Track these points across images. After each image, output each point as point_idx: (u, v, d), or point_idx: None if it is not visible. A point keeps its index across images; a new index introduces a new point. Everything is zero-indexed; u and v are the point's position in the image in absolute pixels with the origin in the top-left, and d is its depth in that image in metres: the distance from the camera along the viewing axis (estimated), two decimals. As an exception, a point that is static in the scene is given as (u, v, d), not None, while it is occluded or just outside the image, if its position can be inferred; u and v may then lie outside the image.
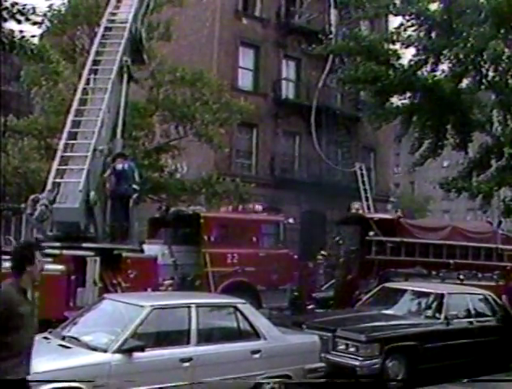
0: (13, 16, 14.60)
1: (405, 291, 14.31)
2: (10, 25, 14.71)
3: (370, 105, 21.96)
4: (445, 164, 61.88)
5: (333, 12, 36.67)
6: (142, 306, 9.16)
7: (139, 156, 22.94)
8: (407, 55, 19.98)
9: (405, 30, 19.48)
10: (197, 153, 27.98)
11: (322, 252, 24.17)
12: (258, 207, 19.85)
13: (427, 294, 13.84)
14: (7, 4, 13.93)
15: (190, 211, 18.61)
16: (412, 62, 19.41)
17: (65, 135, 15.16)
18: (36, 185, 19.39)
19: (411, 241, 19.93)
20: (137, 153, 22.78)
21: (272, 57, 35.42)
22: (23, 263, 6.01)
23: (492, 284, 18.33)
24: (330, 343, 11.67)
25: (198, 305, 9.50)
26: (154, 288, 14.56)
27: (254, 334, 9.82)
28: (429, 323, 12.90)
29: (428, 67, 19.59)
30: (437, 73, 19.58)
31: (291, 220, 19.98)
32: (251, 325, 9.88)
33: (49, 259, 13.19)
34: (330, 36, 31.90)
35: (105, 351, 8.47)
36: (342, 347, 11.67)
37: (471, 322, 13.45)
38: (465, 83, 19.85)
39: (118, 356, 8.42)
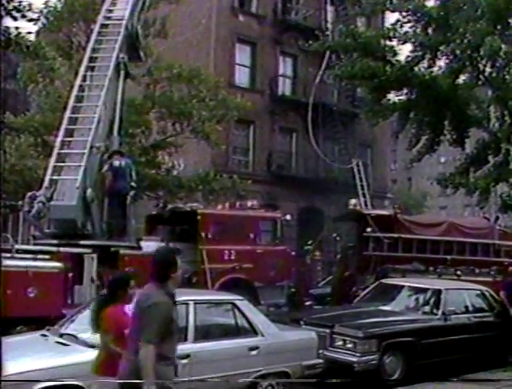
0: (9, 13, 14.60)
1: (402, 287, 14.32)
2: (6, 22, 14.69)
3: (367, 102, 21.94)
4: (443, 160, 61.96)
5: (329, 9, 36.72)
6: (139, 303, 9.14)
7: (136, 153, 22.92)
8: (404, 51, 19.98)
9: (402, 26, 19.46)
10: (194, 150, 27.96)
11: (309, 242, 24.00)
12: (253, 202, 19.83)
13: (424, 290, 13.85)
14: (3, 1, 13.90)
15: (187, 208, 18.58)
16: (409, 58, 19.39)
17: (61, 132, 15.15)
18: (32, 182, 19.37)
19: (408, 237, 19.94)
20: (134, 150, 22.75)
21: (269, 53, 35.41)
22: (168, 270, 6.14)
23: (490, 279, 18.33)
24: (328, 339, 11.68)
25: (196, 302, 9.50)
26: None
27: (252, 331, 9.82)
28: (427, 319, 12.92)
29: (425, 63, 19.57)
30: (434, 69, 19.58)
31: (288, 217, 19.95)
32: (249, 322, 9.88)
33: (47, 257, 13.22)
34: (327, 32, 31.90)
35: (103, 348, 8.46)
36: (339, 343, 11.68)
37: (468, 318, 13.47)
38: (462, 79, 19.85)
39: (116, 353, 8.41)
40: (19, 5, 14.99)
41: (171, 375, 5.95)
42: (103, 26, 17.15)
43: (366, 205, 32.01)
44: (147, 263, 15.03)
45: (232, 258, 17.43)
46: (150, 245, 16.10)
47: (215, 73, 29.20)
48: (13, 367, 7.30)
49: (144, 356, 5.64)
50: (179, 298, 9.90)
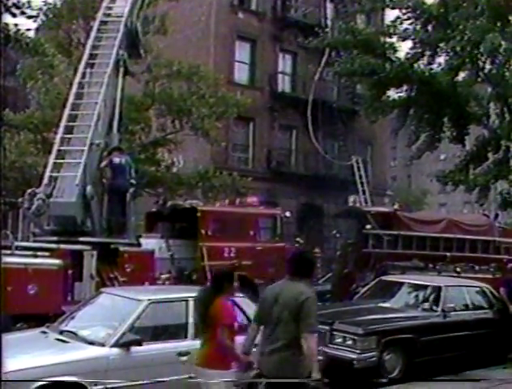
0: (8, 10, 14.58)
1: (402, 284, 14.32)
2: (6, 19, 14.67)
3: (367, 98, 21.91)
4: (442, 157, 61.81)
5: (329, 6, 36.71)
6: (139, 300, 9.16)
7: (136, 150, 22.95)
8: (404, 48, 19.96)
9: (401, 23, 19.43)
10: (193, 147, 27.96)
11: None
12: (253, 199, 19.84)
13: (424, 287, 13.85)
14: (2, -2, 13.87)
15: (187, 205, 18.60)
16: (409, 55, 19.37)
17: (61, 129, 15.14)
18: (32, 179, 19.38)
19: (408, 234, 19.97)
20: (133, 147, 22.78)
21: (268, 50, 35.40)
22: (312, 268, 7.22)
23: (489, 276, 18.35)
24: (328, 336, 11.68)
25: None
26: (151, 282, 14.57)
27: (252, 327, 9.82)
28: (426, 316, 12.92)
29: (425, 60, 19.55)
30: (434, 66, 19.56)
31: (288, 214, 19.97)
32: (248, 319, 9.87)
33: (46, 254, 13.22)
34: (327, 29, 31.88)
35: (103, 345, 8.47)
36: (339, 340, 11.69)
37: (468, 315, 13.48)
38: (462, 76, 19.82)
39: (116, 350, 8.42)
40: (18, 2, 14.96)
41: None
42: (102, 23, 17.13)
43: (366, 202, 32.08)
44: (146, 260, 15.18)
45: (232, 255, 17.47)
46: (149, 242, 16.14)
47: (215, 70, 29.19)
48: (13, 364, 7.31)
49: (312, 345, 6.35)
50: (178, 295, 9.97)
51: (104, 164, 15.16)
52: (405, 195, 60.11)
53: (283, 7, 36.31)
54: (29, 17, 16.12)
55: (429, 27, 19.40)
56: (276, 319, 6.54)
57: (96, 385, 7.82)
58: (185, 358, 8.77)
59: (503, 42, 17.22)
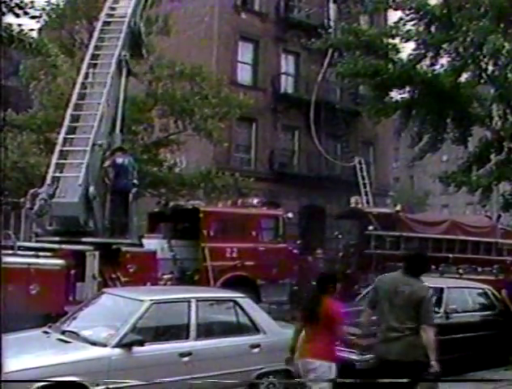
0: (11, 10, 14.59)
1: (404, 285, 14.26)
2: (9, 19, 14.69)
3: (369, 99, 21.93)
4: (445, 158, 61.73)
5: (332, 6, 36.67)
6: (141, 301, 9.16)
7: (138, 151, 22.91)
8: (407, 49, 19.96)
9: (404, 24, 19.44)
10: (196, 147, 27.94)
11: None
12: (255, 200, 19.85)
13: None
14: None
15: (189, 206, 18.59)
16: (411, 56, 19.38)
17: (64, 130, 15.15)
18: (35, 179, 19.36)
19: (410, 235, 19.95)
20: (136, 147, 22.75)
21: (271, 51, 35.37)
22: (425, 267, 8.05)
23: (492, 278, 18.34)
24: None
25: (198, 300, 9.50)
26: (153, 283, 14.57)
27: (254, 328, 9.83)
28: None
29: (428, 61, 19.56)
30: (437, 67, 19.57)
31: (290, 215, 19.96)
32: (250, 319, 9.88)
33: (49, 254, 13.23)
34: (330, 30, 31.90)
35: (105, 345, 8.48)
36: (341, 341, 11.66)
37: (470, 317, 13.45)
38: (464, 77, 19.83)
39: (118, 350, 8.43)
40: (22, 2, 14.96)
41: None
42: (105, 23, 17.15)
43: (368, 203, 32.03)
44: (148, 261, 15.18)
45: (234, 255, 17.46)
46: (152, 243, 16.15)
47: (218, 70, 29.17)
48: (15, 364, 7.31)
49: (431, 335, 7.40)
50: (180, 296, 9.97)
51: (107, 164, 15.16)
52: (407, 196, 60.07)
53: (286, 8, 36.28)
54: (32, 17, 16.13)
55: (432, 29, 19.40)
56: (399, 310, 7.46)
57: (97, 385, 7.82)
58: (186, 359, 8.78)
59: (506, 43, 17.22)
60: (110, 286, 13.32)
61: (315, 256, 23.65)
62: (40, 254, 13.11)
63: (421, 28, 19.49)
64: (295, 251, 19.93)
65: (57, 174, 14.38)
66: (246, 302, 10.09)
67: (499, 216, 24.57)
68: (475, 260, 20.32)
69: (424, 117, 20.05)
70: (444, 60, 19.65)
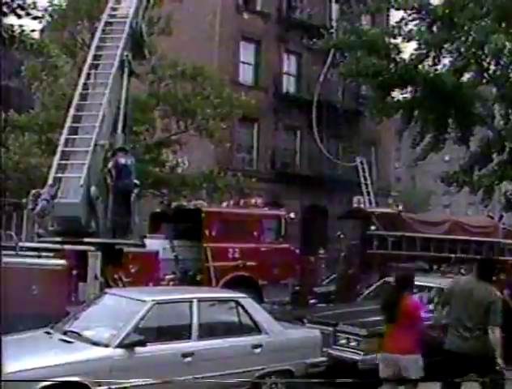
0: (13, 11, 14.61)
1: (406, 285, 14.25)
2: (11, 20, 14.71)
3: (371, 99, 21.89)
4: (447, 158, 61.79)
5: (334, 6, 36.66)
6: (143, 301, 9.17)
7: (140, 151, 22.92)
8: (409, 49, 19.94)
9: (406, 24, 19.41)
10: (198, 148, 27.95)
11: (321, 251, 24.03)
12: (257, 201, 19.85)
13: (429, 288, 13.81)
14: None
15: (192, 206, 18.61)
16: (413, 56, 19.35)
17: (66, 130, 15.13)
18: (36, 180, 19.37)
19: (412, 235, 19.95)
20: (138, 148, 22.75)
21: (273, 51, 35.40)
22: (494, 274, 9.23)
23: (494, 278, 18.29)
24: (332, 337, 11.67)
25: (200, 300, 9.51)
26: (155, 283, 14.57)
27: (256, 328, 9.84)
28: (431, 317, 12.88)
29: (430, 61, 19.53)
30: (439, 67, 19.53)
31: (292, 215, 19.95)
32: (252, 319, 9.89)
33: (51, 254, 13.23)
34: (332, 30, 31.86)
35: (107, 346, 8.49)
36: (343, 341, 11.67)
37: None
38: (466, 77, 19.80)
39: (120, 350, 8.44)
40: (24, 2, 14.98)
41: None
42: (107, 24, 17.13)
43: (370, 203, 32.07)
44: (150, 261, 15.17)
45: (236, 256, 17.47)
46: (154, 243, 16.15)
47: (220, 70, 29.19)
48: (17, 365, 7.32)
49: (498, 335, 8.15)
50: (182, 296, 9.98)
51: (110, 164, 15.15)
52: (409, 196, 60.09)
53: (288, 8, 36.34)
54: (34, 18, 16.15)
55: (434, 28, 19.38)
56: (472, 311, 8.38)
57: (100, 385, 7.84)
58: (189, 359, 8.79)
59: (508, 43, 17.20)
60: (112, 286, 13.31)
61: (317, 256, 23.64)
62: (42, 254, 13.10)
63: (423, 28, 19.45)
64: (297, 251, 19.93)
65: (59, 175, 14.36)
66: (248, 302, 10.10)
67: (501, 216, 24.56)
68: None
69: (426, 117, 20.00)
70: (446, 60, 19.63)
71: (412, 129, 20.97)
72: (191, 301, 9.36)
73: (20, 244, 13.41)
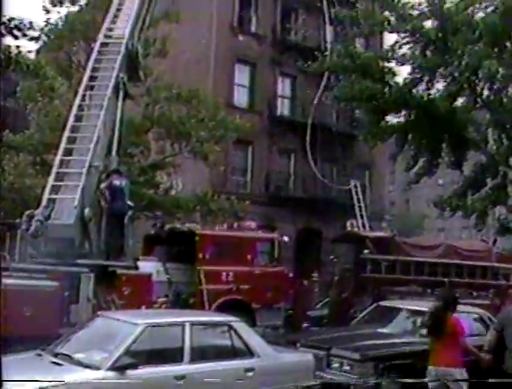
0: (10, 32, 14.65)
1: (400, 309, 14.25)
2: (7, 41, 14.74)
3: (365, 123, 21.99)
4: (441, 182, 61.95)
5: (328, 29, 36.73)
6: (135, 324, 9.12)
7: (135, 173, 22.90)
8: (403, 72, 20.06)
9: (400, 47, 19.55)
10: (192, 170, 27.97)
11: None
12: (251, 224, 19.83)
13: (422, 313, 13.77)
14: (5, 19, 13.95)
15: (185, 229, 18.58)
16: (407, 80, 19.46)
17: (60, 151, 15.12)
18: (31, 200, 19.34)
19: (406, 259, 19.91)
20: (132, 170, 22.74)
21: (268, 74, 35.53)
22: None
23: (488, 302, 18.29)
24: (325, 361, 11.62)
25: (192, 323, 9.46)
26: (148, 306, 14.50)
27: (248, 352, 9.78)
28: (424, 342, 12.84)
29: (424, 85, 19.64)
30: (432, 91, 19.65)
31: (286, 238, 19.93)
32: (245, 343, 9.83)
33: (43, 275, 13.17)
34: (326, 52, 32.00)
35: (99, 368, 8.42)
36: (336, 365, 11.62)
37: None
38: (460, 101, 19.93)
39: (112, 373, 8.37)
40: (21, 23, 15.02)
41: None
42: (103, 45, 17.17)
43: (364, 227, 32.01)
44: (143, 283, 15.09)
45: (230, 279, 17.43)
46: (147, 266, 16.09)
47: (214, 93, 29.29)
48: (6, 387, 7.25)
49: None
50: (175, 319, 9.93)
51: (104, 186, 15.13)
52: (403, 220, 60.12)
53: (283, 30, 36.57)
54: (31, 39, 16.21)
55: (428, 52, 19.51)
56: None
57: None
58: (180, 382, 8.73)
59: (500, 68, 17.33)
60: (105, 308, 13.24)
61: (311, 280, 23.58)
62: (35, 275, 13.05)
63: (417, 52, 19.59)
64: (290, 275, 19.88)
65: (53, 196, 14.34)
66: (241, 326, 10.05)
67: (495, 240, 24.55)
68: (471, 284, 20.28)
69: (420, 141, 20.11)
70: (440, 84, 19.76)
71: (406, 152, 21.05)
72: (183, 325, 9.31)
73: (13, 265, 13.34)
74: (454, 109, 19.16)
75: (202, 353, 9.44)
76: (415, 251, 20.56)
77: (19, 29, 15.03)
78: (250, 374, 9.55)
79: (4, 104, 23.27)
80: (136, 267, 15.38)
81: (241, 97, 34.76)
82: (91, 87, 16.28)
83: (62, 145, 15.17)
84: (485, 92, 19.46)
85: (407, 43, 19.66)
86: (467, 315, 14.08)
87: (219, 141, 25.89)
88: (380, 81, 19.39)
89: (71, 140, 15.28)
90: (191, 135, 24.68)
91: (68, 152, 15.07)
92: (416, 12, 19.56)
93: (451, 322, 9.64)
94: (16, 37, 15.09)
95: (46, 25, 24.47)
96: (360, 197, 35.24)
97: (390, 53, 19.91)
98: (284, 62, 36.17)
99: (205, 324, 10.26)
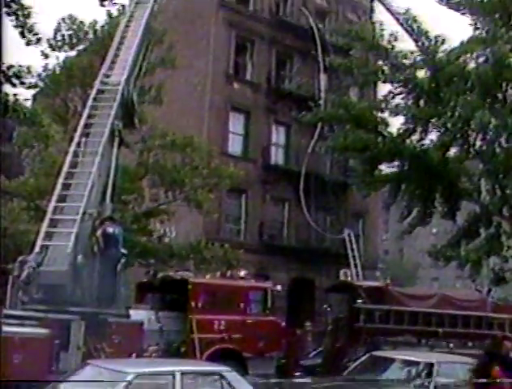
0: (8, 79, 14.77)
1: (394, 360, 14.15)
2: (5, 88, 14.85)
3: (359, 173, 22.08)
4: (434, 231, 61.90)
5: (322, 77, 37.04)
6: (125, 373, 9.02)
7: (128, 220, 22.88)
8: (396, 123, 20.22)
9: (393, 97, 19.73)
10: (186, 218, 27.96)
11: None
12: (244, 273, 19.76)
13: (416, 363, 13.68)
14: (3, 67, 14.08)
15: (178, 277, 18.48)
16: (401, 131, 19.61)
17: (54, 198, 15.14)
18: (23, 246, 19.28)
19: (399, 309, 19.83)
20: (126, 217, 22.72)
21: (262, 122, 35.69)
22: None
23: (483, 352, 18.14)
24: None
25: (183, 372, 9.37)
26: (139, 354, 14.36)
27: (239, 402, 9.67)
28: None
29: (417, 136, 19.78)
30: (426, 142, 19.79)
31: (279, 287, 19.82)
32: (236, 394, 9.72)
33: (34, 323, 13.06)
34: (320, 101, 32.25)
35: (88, 418, 8.31)
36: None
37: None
38: (453, 151, 20.05)
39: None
40: (19, 71, 15.13)
41: None
42: (99, 91, 17.32)
43: (357, 276, 31.94)
44: (134, 332, 14.96)
45: (222, 328, 17.27)
46: (139, 314, 15.96)
47: (209, 140, 29.44)
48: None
49: None
50: (165, 368, 9.82)
51: (98, 233, 15.11)
52: (397, 269, 59.99)
53: (278, 78, 36.82)
54: (29, 87, 16.32)
55: (421, 102, 19.70)
56: None
57: None
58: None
59: (492, 119, 17.48)
60: (94, 357, 13.11)
61: (304, 329, 23.42)
62: (26, 322, 12.95)
63: (410, 102, 19.77)
64: (283, 324, 19.73)
65: (47, 242, 14.31)
66: (232, 376, 9.95)
67: (489, 290, 24.50)
68: (466, 334, 20.17)
69: (413, 191, 20.19)
70: (433, 135, 19.91)
71: (400, 201, 21.11)
72: (174, 374, 9.21)
73: (4, 311, 13.23)
74: (446, 159, 19.28)
75: (192, 403, 9.33)
76: (409, 301, 20.48)
77: (18, 77, 15.14)
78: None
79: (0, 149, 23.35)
80: (127, 316, 15.26)
81: (235, 145, 34.85)
82: (87, 134, 16.37)
83: (57, 191, 15.20)
84: (478, 143, 19.60)
85: (401, 93, 19.85)
86: (461, 366, 14.04)
87: (213, 189, 25.94)
88: (373, 131, 19.53)
89: (66, 187, 15.31)
90: (185, 183, 24.73)
91: (62, 199, 15.09)
92: (408, 62, 19.80)
93: (495, 373, 10.44)
94: (14, 85, 15.21)
95: (44, 70, 24.70)
96: (354, 246, 35.23)
97: (383, 104, 20.08)
98: (279, 111, 36.39)
99: (196, 373, 10.16)
